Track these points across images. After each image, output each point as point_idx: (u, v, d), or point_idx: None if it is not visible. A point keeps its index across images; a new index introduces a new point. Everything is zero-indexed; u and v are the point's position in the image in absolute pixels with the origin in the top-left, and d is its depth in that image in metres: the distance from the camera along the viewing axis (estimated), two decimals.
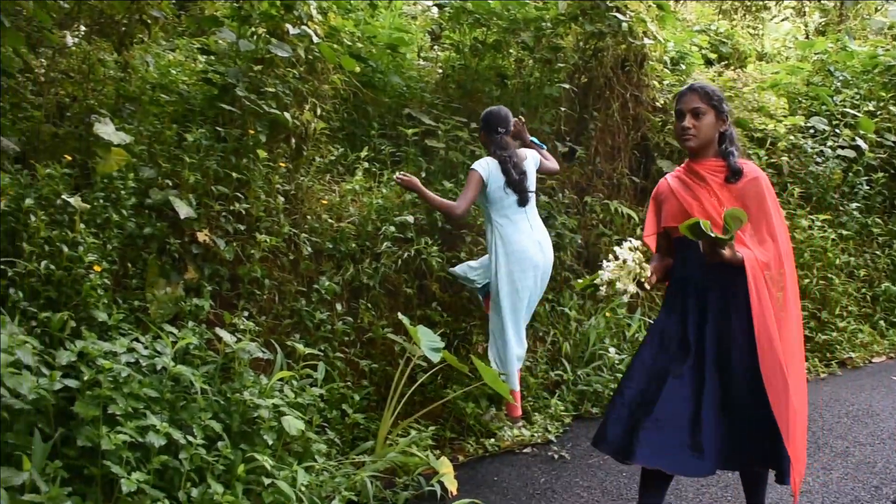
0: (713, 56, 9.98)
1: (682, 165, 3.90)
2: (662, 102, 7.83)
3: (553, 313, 6.70)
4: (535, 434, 5.72)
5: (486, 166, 5.43)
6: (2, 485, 3.11)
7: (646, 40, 7.38)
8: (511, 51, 7.33)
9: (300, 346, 4.82)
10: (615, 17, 7.01)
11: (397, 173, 5.51)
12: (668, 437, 3.60)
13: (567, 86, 7.04)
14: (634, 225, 7.38)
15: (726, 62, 9.92)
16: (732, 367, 3.64)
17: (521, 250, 5.48)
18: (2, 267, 4.06)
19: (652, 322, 4.14)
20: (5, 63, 5.25)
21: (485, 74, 7.20)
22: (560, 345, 6.56)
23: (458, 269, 5.81)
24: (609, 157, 7.45)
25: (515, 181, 5.44)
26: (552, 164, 5.98)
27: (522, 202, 5.50)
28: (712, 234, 3.37)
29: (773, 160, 8.40)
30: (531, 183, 5.58)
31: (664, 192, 3.91)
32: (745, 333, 3.60)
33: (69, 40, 5.42)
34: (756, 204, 3.66)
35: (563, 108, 7.05)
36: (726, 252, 3.49)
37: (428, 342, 4.86)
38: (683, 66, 8.57)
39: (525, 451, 5.55)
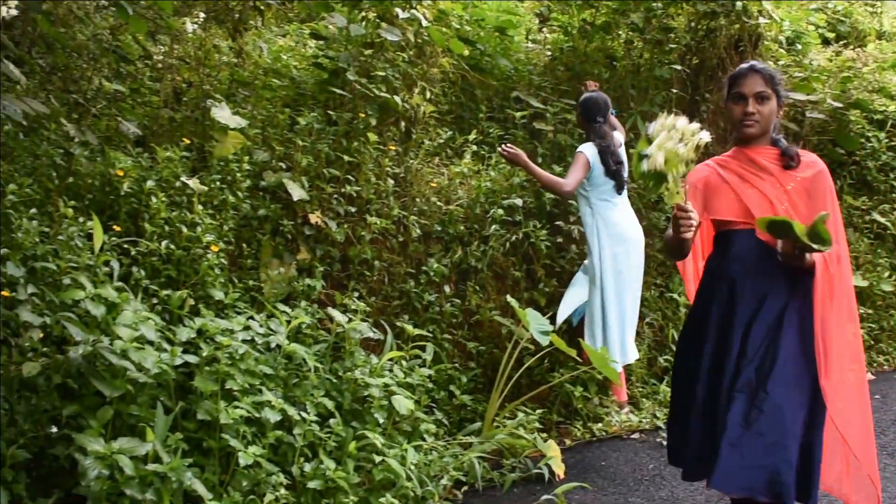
0: (830, 35, 9.62)
1: (729, 153, 3.52)
2: None
3: (661, 298, 6.60)
4: (643, 420, 5.66)
5: (592, 151, 5.38)
6: (127, 454, 3.22)
7: (760, 20, 7.17)
8: (620, 32, 7.22)
9: (409, 327, 4.86)
10: None
11: (502, 146, 5.48)
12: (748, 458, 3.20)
13: (678, 67, 6.90)
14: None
15: (844, 41, 9.55)
16: (773, 381, 3.21)
17: (624, 231, 5.45)
18: (126, 246, 4.20)
19: (687, 320, 3.72)
20: (126, 50, 5.44)
21: (593, 56, 7.11)
22: (668, 330, 6.46)
23: (565, 312, 5.70)
24: (721, 140, 7.28)
25: (613, 171, 5.40)
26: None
27: (619, 189, 5.46)
28: (807, 242, 2.99)
29: (893, 143, 8.08)
30: (626, 171, 5.53)
31: (712, 181, 3.48)
32: (798, 345, 3.25)
33: (189, 27, 5.57)
34: (823, 199, 3.33)
35: (673, 90, 6.91)
36: (807, 257, 3.16)
37: (537, 325, 4.84)
38: (799, 46, 8.29)
39: (633, 436, 5.49)
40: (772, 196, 3.36)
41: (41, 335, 3.42)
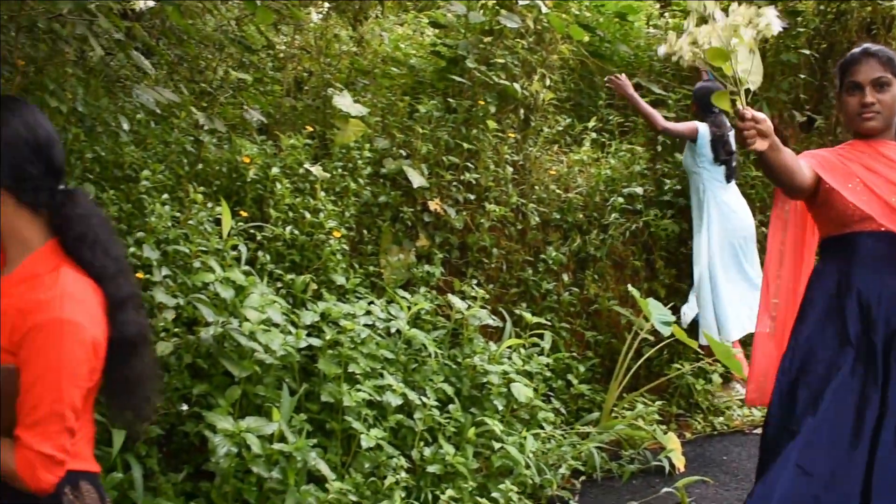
0: None
1: (847, 144, 3.03)
2: None
3: None
4: None
5: (705, 129, 5.46)
6: (254, 432, 3.30)
7: (895, 1, 6.87)
8: None
9: (528, 315, 4.84)
10: None
11: (611, 76, 5.74)
12: None
13: (806, 52, 6.67)
14: None
15: None
16: None
17: (734, 209, 5.51)
18: (252, 231, 4.29)
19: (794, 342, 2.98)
20: (249, 40, 5.56)
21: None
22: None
23: (689, 314, 5.67)
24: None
25: (723, 160, 5.48)
26: None
27: (729, 177, 5.51)
28: None
29: None
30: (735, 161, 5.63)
31: (840, 171, 2.90)
32: None
33: (315, 17, 5.65)
34: None
35: (801, 76, 6.68)
36: None
37: (658, 315, 4.76)
38: None
39: (755, 431, 5.34)
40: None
41: (174, 316, 3.53)
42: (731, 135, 5.53)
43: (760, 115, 2.45)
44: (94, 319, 1.76)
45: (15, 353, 1.71)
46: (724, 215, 5.52)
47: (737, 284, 5.49)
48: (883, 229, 2.83)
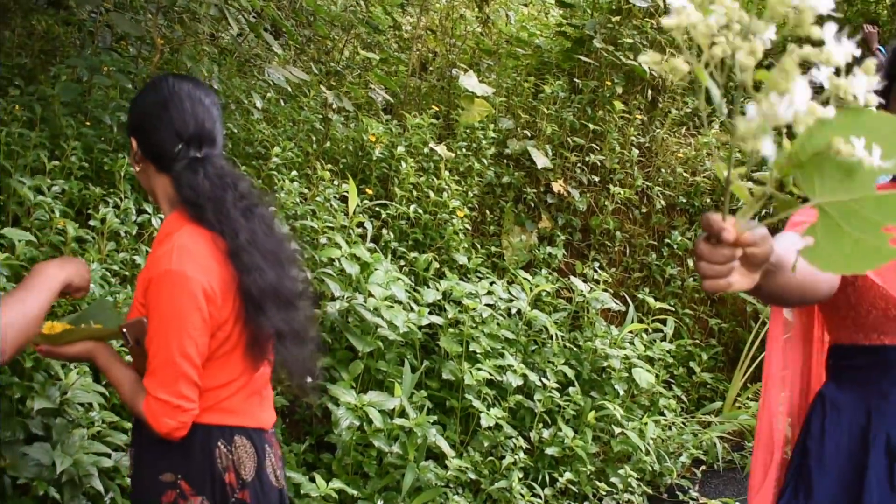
0: None
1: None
2: None
3: None
4: None
5: None
6: (376, 407, 3.34)
7: None
8: None
9: (651, 300, 4.76)
10: None
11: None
12: None
13: None
14: None
15: None
16: None
17: None
18: (377, 209, 4.34)
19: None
20: (376, 20, 5.61)
21: (854, 21, 6.66)
22: None
23: None
24: None
25: None
26: None
27: None
28: None
29: None
30: None
31: None
32: None
33: None
34: None
35: None
36: None
37: None
38: None
39: None
40: None
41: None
42: None
43: (757, 234, 1.14)
44: (206, 269, 1.80)
45: (146, 305, 1.81)
46: None
47: None
48: None
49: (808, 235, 0.96)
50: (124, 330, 1.82)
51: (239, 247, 1.84)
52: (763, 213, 0.94)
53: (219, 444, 1.84)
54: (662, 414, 4.48)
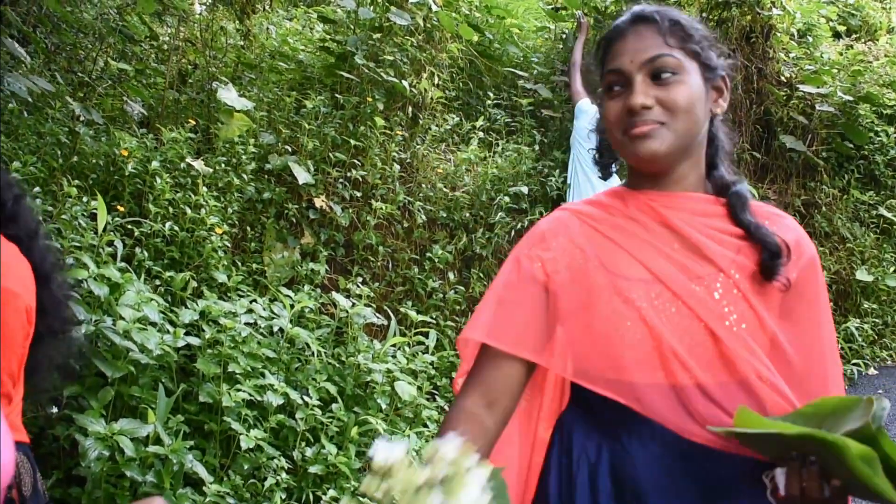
0: (841, 28, 9.57)
1: (607, 199, 1.76)
2: (787, 76, 7.55)
3: None
4: None
5: (588, 107, 5.64)
6: (128, 435, 3.20)
7: (773, 11, 7.12)
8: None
9: (413, 314, 4.83)
10: None
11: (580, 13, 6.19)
12: None
13: None
14: None
15: (855, 35, 9.49)
16: None
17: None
18: (129, 227, 4.17)
19: None
20: (132, 30, 5.40)
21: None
22: None
23: None
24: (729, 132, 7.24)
25: (600, 160, 5.65)
26: None
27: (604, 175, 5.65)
28: (869, 478, 1.26)
29: None
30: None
31: (580, 268, 1.63)
32: None
33: (198, 8, 5.54)
34: (814, 311, 1.60)
35: None
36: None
37: None
38: (810, 39, 8.24)
39: None
40: (709, 312, 1.52)
41: None
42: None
43: None
44: (27, 286, 1.74)
45: None
46: (582, 197, 5.68)
47: None
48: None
49: None
50: None
51: (45, 265, 1.81)
52: None
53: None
54: (426, 425, 4.55)
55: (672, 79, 1.53)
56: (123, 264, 3.84)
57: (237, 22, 6.03)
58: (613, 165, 5.26)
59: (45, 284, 1.80)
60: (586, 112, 5.66)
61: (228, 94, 4.85)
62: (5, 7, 4.16)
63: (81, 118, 4.38)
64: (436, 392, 5.04)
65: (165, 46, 5.73)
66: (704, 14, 7.08)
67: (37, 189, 3.79)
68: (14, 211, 1.82)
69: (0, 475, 1.43)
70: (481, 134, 6.26)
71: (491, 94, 6.63)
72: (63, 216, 3.74)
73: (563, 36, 7.13)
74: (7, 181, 1.85)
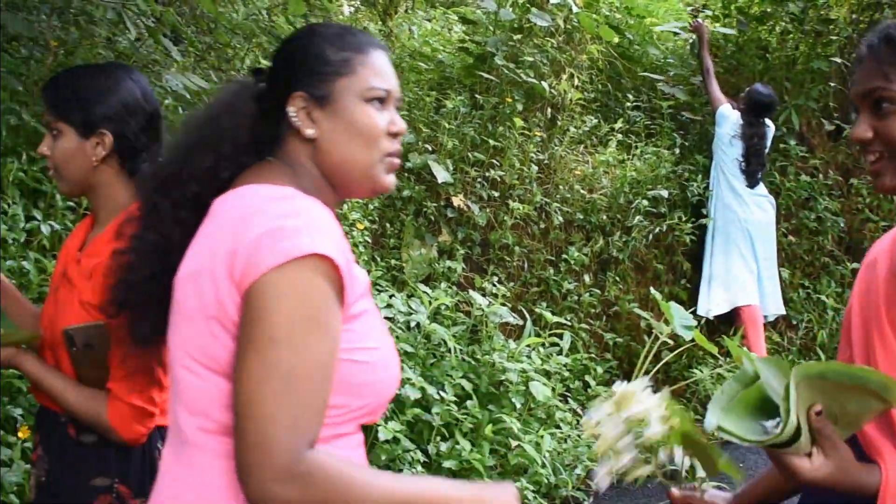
0: None
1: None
2: None
3: (808, 301, 6.37)
4: None
5: (730, 113, 5.66)
6: None
7: None
8: (776, 23, 6.97)
9: (548, 315, 4.83)
10: None
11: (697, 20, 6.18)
12: None
13: (837, 60, 6.62)
14: None
15: None
16: None
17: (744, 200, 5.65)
18: None
19: None
20: (279, 31, 5.56)
21: (746, 48, 6.89)
22: (816, 333, 6.24)
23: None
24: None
25: (747, 170, 5.57)
26: None
27: (750, 184, 5.61)
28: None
29: None
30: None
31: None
32: None
33: (346, 9, 5.66)
34: None
35: (831, 84, 6.64)
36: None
37: (680, 319, 4.71)
38: None
39: None
40: None
41: None
42: (768, 143, 5.59)
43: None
44: None
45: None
46: (725, 206, 5.68)
47: (727, 256, 5.66)
48: None
49: None
50: (71, 333, 1.74)
51: None
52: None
53: (157, 445, 1.79)
54: (558, 427, 4.53)
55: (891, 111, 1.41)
56: None
57: (380, 22, 6.13)
58: (759, 173, 5.15)
59: None
60: (728, 118, 5.55)
61: None
62: (167, 9, 4.34)
63: None
64: (568, 394, 5.02)
65: None
66: (855, 16, 6.83)
67: None
68: None
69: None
70: (620, 136, 6.19)
71: (630, 96, 6.55)
72: None
73: (690, 42, 6.99)
74: None
